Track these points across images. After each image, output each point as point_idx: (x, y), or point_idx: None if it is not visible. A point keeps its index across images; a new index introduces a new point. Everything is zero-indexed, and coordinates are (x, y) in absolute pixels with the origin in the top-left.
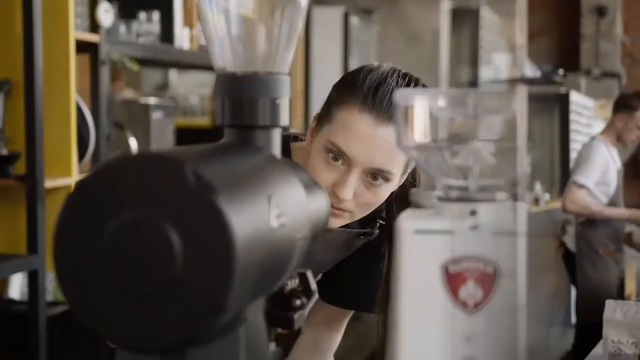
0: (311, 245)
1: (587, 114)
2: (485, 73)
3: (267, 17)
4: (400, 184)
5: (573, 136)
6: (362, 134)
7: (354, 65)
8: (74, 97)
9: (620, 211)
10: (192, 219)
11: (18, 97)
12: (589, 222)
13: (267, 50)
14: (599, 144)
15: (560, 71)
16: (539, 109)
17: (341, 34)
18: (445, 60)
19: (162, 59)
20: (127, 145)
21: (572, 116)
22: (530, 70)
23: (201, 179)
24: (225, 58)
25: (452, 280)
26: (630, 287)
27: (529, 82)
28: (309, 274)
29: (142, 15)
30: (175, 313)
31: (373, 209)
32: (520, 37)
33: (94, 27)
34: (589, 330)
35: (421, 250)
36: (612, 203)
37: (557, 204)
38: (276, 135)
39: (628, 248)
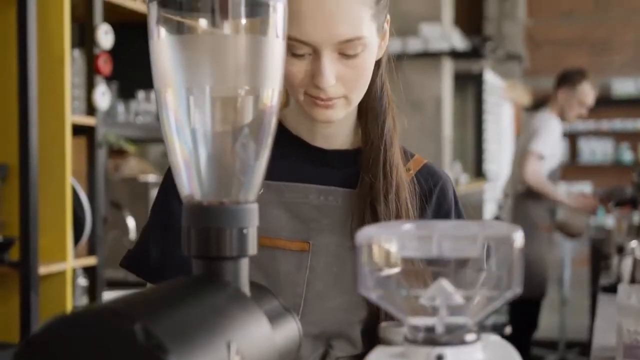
0: None
1: (498, 94)
2: (413, 44)
3: (233, 144)
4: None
5: (484, 116)
6: (310, 10)
7: None
8: (70, 181)
9: (571, 199)
10: None
11: (13, 182)
12: (529, 194)
13: (234, 179)
14: (552, 116)
15: (489, 44)
16: (456, 88)
17: None
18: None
19: (160, 137)
20: (125, 226)
21: (485, 96)
22: (458, 42)
23: (152, 338)
24: (192, 187)
25: None
26: None
27: (456, 55)
28: None
29: (141, 94)
30: None
31: (366, 84)
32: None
33: (91, 109)
34: (523, 308)
35: None
36: (551, 176)
37: (475, 186)
38: (244, 266)
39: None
